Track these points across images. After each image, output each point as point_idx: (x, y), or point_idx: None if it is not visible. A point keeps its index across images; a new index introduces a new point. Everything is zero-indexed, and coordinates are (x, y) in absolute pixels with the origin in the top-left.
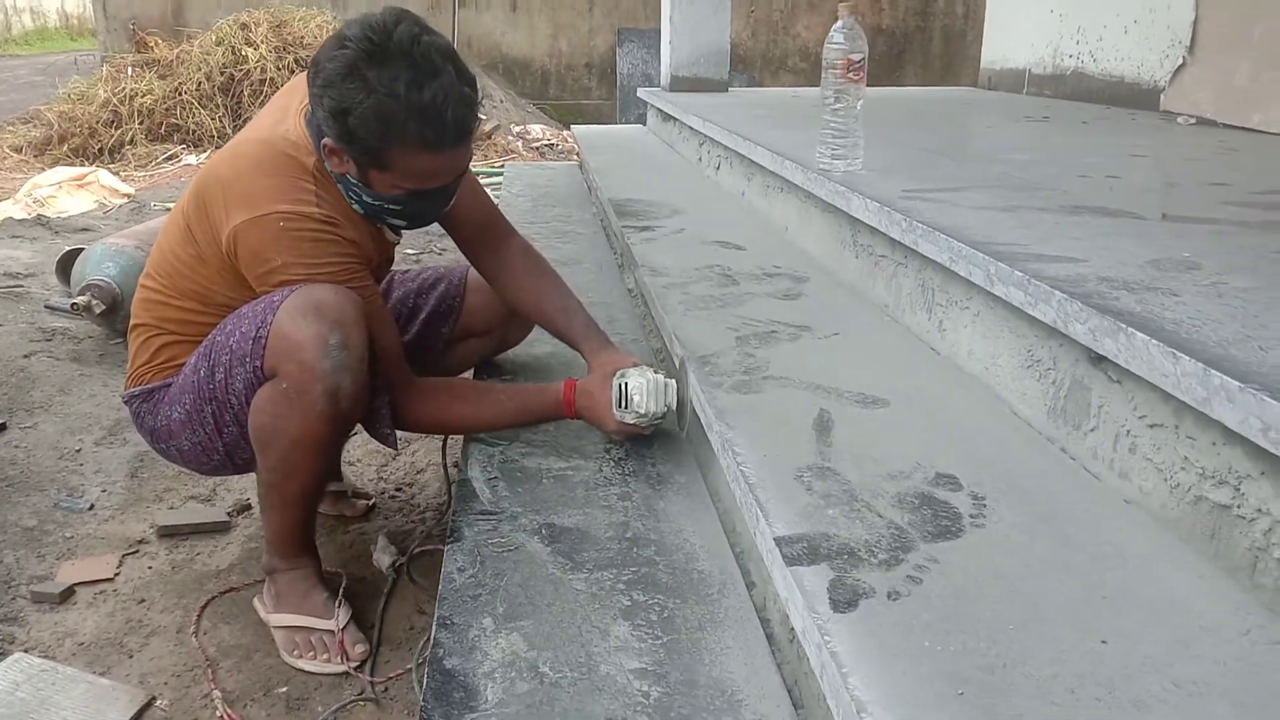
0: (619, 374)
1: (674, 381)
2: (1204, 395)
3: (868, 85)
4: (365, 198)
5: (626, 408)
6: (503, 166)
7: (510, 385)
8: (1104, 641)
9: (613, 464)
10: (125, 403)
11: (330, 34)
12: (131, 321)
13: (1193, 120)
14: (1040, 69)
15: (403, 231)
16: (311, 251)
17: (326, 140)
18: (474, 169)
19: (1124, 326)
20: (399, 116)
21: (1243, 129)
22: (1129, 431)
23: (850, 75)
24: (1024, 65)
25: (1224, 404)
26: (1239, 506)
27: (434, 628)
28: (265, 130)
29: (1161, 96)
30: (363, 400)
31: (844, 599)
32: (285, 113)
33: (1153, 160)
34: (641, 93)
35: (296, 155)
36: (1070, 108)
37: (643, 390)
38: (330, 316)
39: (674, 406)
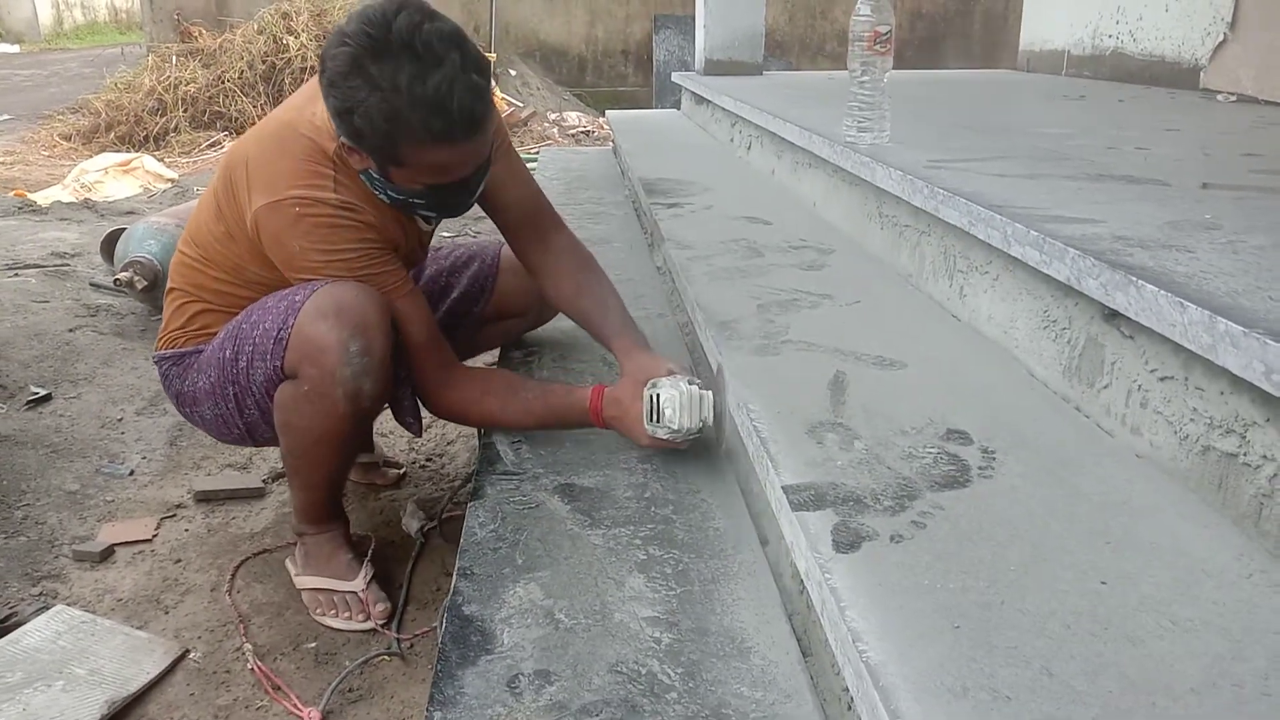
0: (650, 384)
1: (710, 393)
2: (1209, 342)
3: (907, 70)
4: (390, 192)
5: (658, 422)
6: (538, 153)
7: (540, 385)
8: (1103, 582)
9: None
10: (155, 363)
11: None
12: (168, 285)
13: (1233, 98)
14: (1079, 50)
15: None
16: (327, 238)
17: (342, 139)
18: None
19: (1134, 279)
20: (403, 112)
21: None
22: (1140, 386)
23: (877, 48)
24: (1063, 46)
25: (1228, 350)
26: (1245, 454)
27: (454, 577)
28: (292, 113)
29: (1202, 74)
30: (385, 396)
31: (846, 541)
32: (313, 96)
33: (1186, 134)
34: (675, 77)
35: (318, 140)
36: (1108, 88)
37: (675, 404)
38: (352, 320)
39: (710, 421)
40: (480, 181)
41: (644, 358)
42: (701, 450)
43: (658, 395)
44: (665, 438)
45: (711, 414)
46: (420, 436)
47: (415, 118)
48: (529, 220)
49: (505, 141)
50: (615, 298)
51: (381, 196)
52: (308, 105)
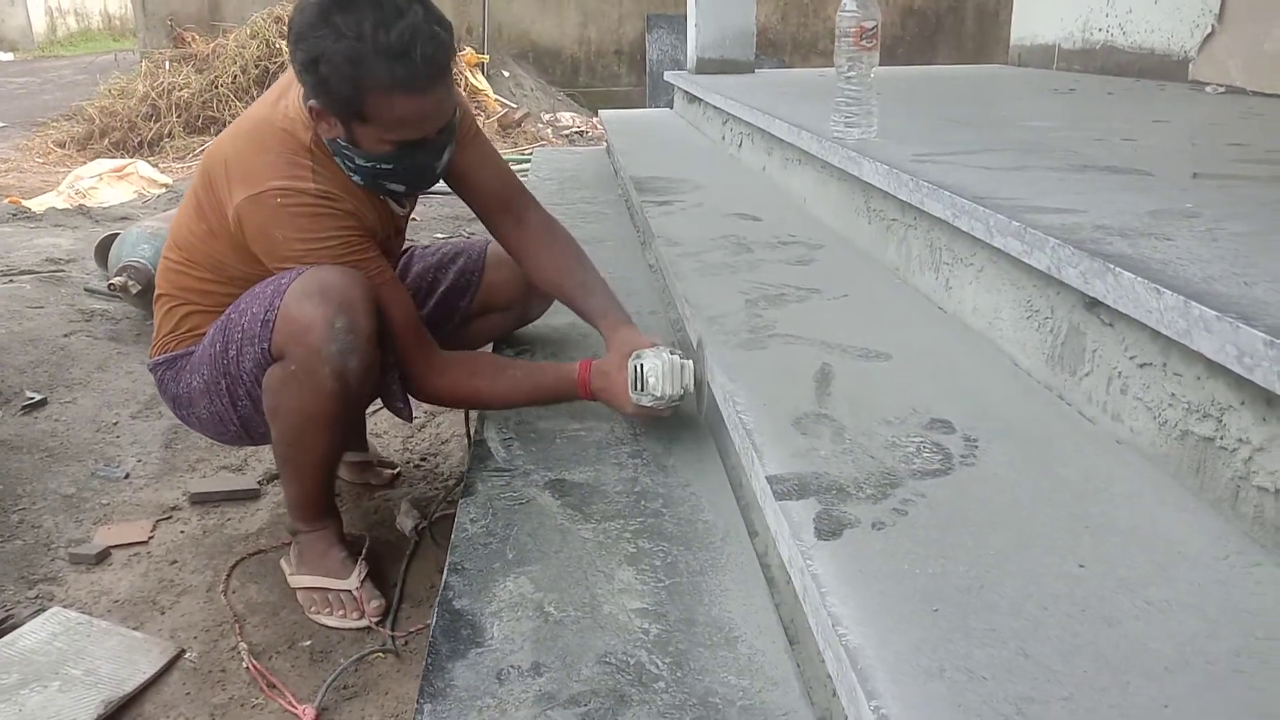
0: (635, 355)
1: (691, 362)
2: (1184, 327)
3: (899, 67)
4: (358, 160)
5: (643, 390)
6: (531, 154)
7: (527, 363)
8: (1081, 566)
9: (625, 425)
10: (150, 370)
11: None
12: (156, 292)
13: (1221, 89)
14: (1070, 44)
15: (429, 215)
16: (310, 227)
17: (311, 102)
18: (504, 156)
19: (1111, 267)
20: (367, 58)
21: (1272, 95)
22: (1120, 373)
23: (863, 43)
24: (1053, 40)
25: (1202, 334)
26: (1221, 438)
27: (445, 572)
28: (266, 108)
29: (1190, 66)
30: (372, 376)
31: (829, 529)
32: (285, 91)
33: (1172, 125)
34: (668, 76)
35: (293, 131)
36: (1098, 81)
37: (658, 372)
38: (336, 299)
39: (691, 388)
40: (446, 145)
41: (629, 333)
42: (692, 443)
43: (641, 365)
44: (649, 405)
45: (692, 381)
46: (412, 422)
47: (379, 63)
48: (503, 202)
49: (473, 126)
50: (597, 277)
51: (353, 174)
52: (280, 100)
